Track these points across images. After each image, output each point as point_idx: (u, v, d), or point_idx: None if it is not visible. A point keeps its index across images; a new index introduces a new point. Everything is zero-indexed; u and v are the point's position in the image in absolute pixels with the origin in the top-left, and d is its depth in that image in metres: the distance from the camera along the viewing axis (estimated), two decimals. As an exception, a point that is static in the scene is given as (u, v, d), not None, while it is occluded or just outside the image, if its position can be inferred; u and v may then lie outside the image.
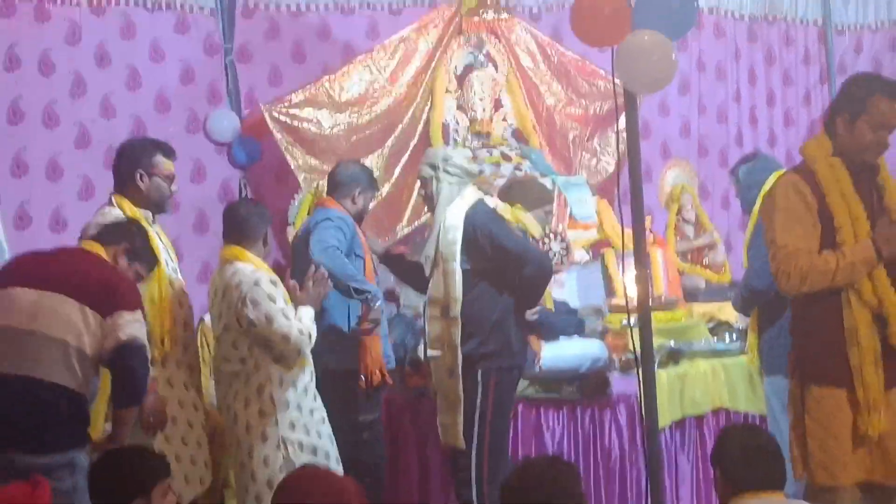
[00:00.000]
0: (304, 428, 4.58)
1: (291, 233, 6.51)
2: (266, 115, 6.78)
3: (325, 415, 4.70)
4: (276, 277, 4.63)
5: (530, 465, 3.22)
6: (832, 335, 3.89)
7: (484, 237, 5.03)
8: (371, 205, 5.45)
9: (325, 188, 6.63)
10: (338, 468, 4.55)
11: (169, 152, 4.78)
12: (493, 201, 5.37)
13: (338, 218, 5.18)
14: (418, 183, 7.24)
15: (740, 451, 3.39)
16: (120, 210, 4.58)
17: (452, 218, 5.08)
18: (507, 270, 5.05)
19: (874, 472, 3.92)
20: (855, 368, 3.84)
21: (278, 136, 6.82)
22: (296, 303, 4.59)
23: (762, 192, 4.81)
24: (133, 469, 3.41)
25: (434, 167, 5.18)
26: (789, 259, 3.84)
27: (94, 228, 4.38)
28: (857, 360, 3.84)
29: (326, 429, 4.68)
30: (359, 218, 5.42)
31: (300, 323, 4.52)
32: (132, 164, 4.68)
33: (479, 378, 4.96)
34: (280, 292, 4.57)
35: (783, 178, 4.06)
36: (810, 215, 3.88)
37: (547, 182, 6.76)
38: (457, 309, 4.99)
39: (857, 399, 3.85)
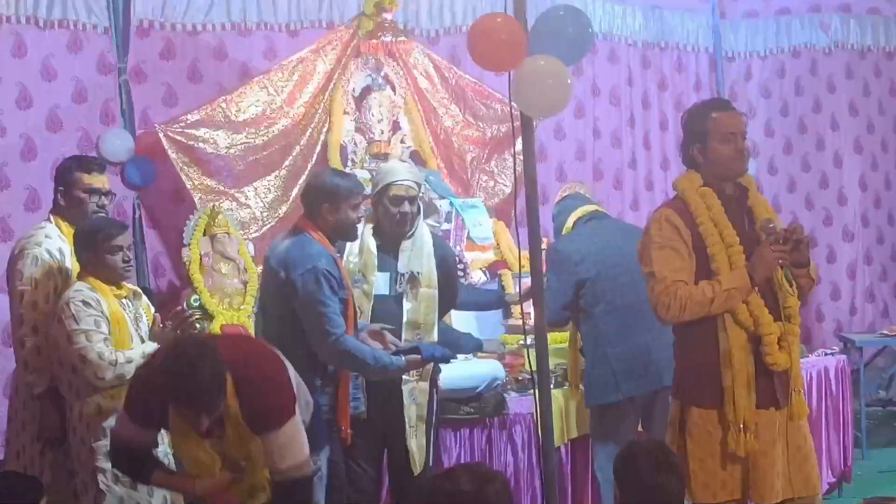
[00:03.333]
0: None
1: (186, 255, 6.44)
2: (161, 135, 6.69)
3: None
4: (97, 297, 4.47)
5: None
6: (708, 357, 3.99)
7: (451, 259, 5.07)
8: (354, 214, 4.79)
9: (221, 209, 6.60)
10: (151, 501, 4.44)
11: (89, 167, 4.84)
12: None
13: (317, 257, 4.59)
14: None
15: (642, 468, 3.44)
16: (56, 228, 4.78)
17: (427, 238, 5.05)
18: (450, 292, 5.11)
19: (751, 493, 4.01)
20: (727, 389, 3.94)
21: (173, 156, 6.73)
22: (150, 335, 4.53)
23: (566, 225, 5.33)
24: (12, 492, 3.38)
25: (418, 184, 5.06)
26: (668, 291, 3.93)
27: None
28: (730, 381, 3.94)
29: None
30: (342, 232, 4.81)
31: (117, 352, 4.37)
32: (55, 183, 4.92)
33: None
34: (92, 314, 4.40)
35: (657, 212, 4.16)
36: (685, 246, 3.99)
37: (445, 204, 6.82)
38: (434, 334, 4.97)
39: None
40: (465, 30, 7.73)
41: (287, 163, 7.15)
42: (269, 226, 7.06)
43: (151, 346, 4.46)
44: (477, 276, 6.79)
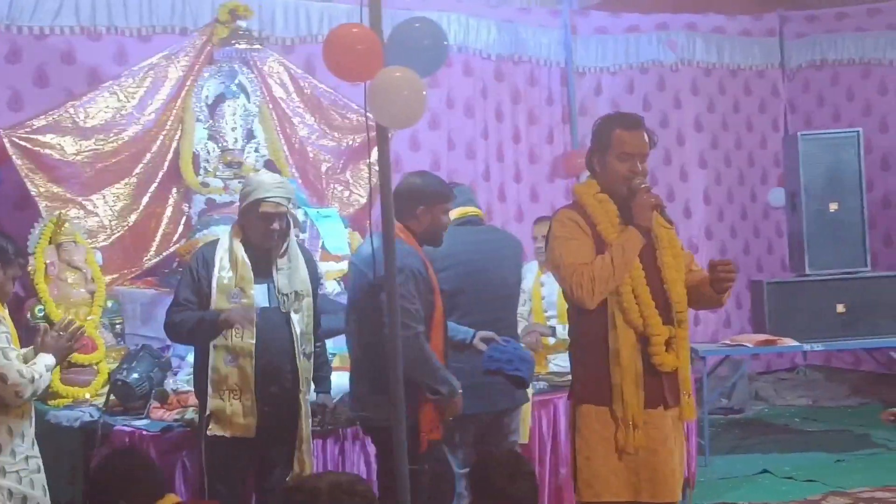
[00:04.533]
0: (17, 476, 4.32)
1: (31, 264, 6.25)
2: (5, 141, 6.49)
3: (41, 464, 4.45)
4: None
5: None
6: (598, 356, 4.08)
7: (314, 267, 5.13)
8: (446, 219, 4.76)
9: (68, 216, 6.42)
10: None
11: None
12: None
13: (407, 256, 4.52)
14: (168, 212, 7.16)
15: (495, 477, 3.48)
16: None
17: (299, 252, 4.99)
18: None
19: (641, 492, 4.09)
20: (616, 387, 4.03)
21: (18, 162, 6.54)
22: (37, 348, 4.38)
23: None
24: None
25: (289, 199, 4.96)
26: (576, 272, 4.02)
27: None
28: (619, 379, 4.03)
29: (41, 479, 4.42)
30: (430, 237, 4.77)
31: (30, 368, 4.23)
32: None
33: None
34: (3, 331, 4.25)
35: (558, 213, 4.25)
36: (585, 235, 4.09)
37: (300, 214, 6.77)
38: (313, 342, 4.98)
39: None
40: (320, 39, 7.71)
41: (137, 170, 7.01)
42: (117, 234, 6.92)
43: (50, 359, 4.31)
44: (331, 287, 6.76)
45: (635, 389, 4.03)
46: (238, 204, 5.00)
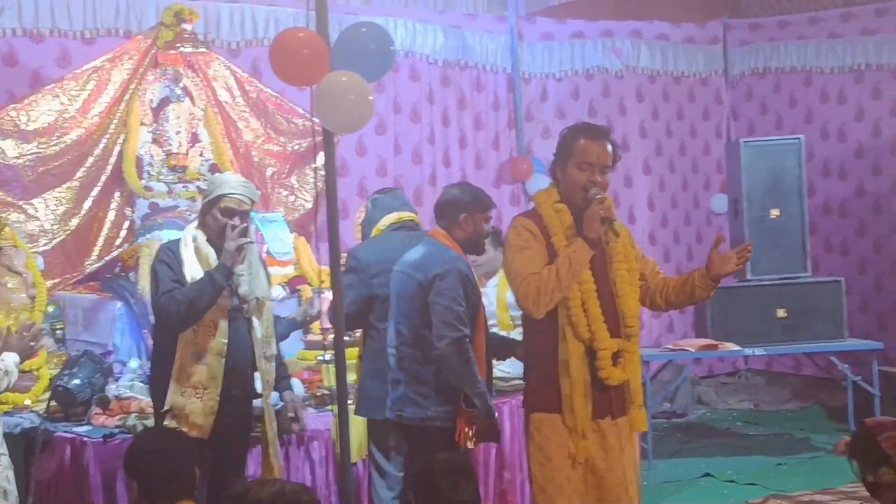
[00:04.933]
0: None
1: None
2: (-55, 143, 6.42)
3: (10, 463, 4.42)
4: None
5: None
6: (549, 365, 4.13)
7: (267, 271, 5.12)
8: (487, 227, 4.92)
9: (8, 220, 6.34)
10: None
11: None
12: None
13: (456, 260, 4.72)
14: (110, 216, 7.09)
15: (440, 483, 3.49)
16: None
17: (257, 258, 5.00)
18: None
19: (590, 498, 4.16)
20: (565, 397, 4.09)
21: (-43, 165, 6.47)
22: (5, 347, 4.33)
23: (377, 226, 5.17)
24: None
25: (252, 200, 4.94)
26: (524, 283, 4.05)
27: None
28: (568, 389, 4.08)
29: (12, 475, 4.40)
30: (473, 244, 4.90)
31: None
32: None
33: None
34: None
35: (514, 220, 4.29)
36: (538, 245, 4.12)
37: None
38: (275, 344, 5.03)
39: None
40: (266, 43, 7.68)
41: (80, 174, 6.95)
42: (59, 239, 6.85)
43: (15, 356, 4.28)
44: (276, 292, 6.73)
45: (584, 401, 4.08)
46: (202, 202, 4.93)
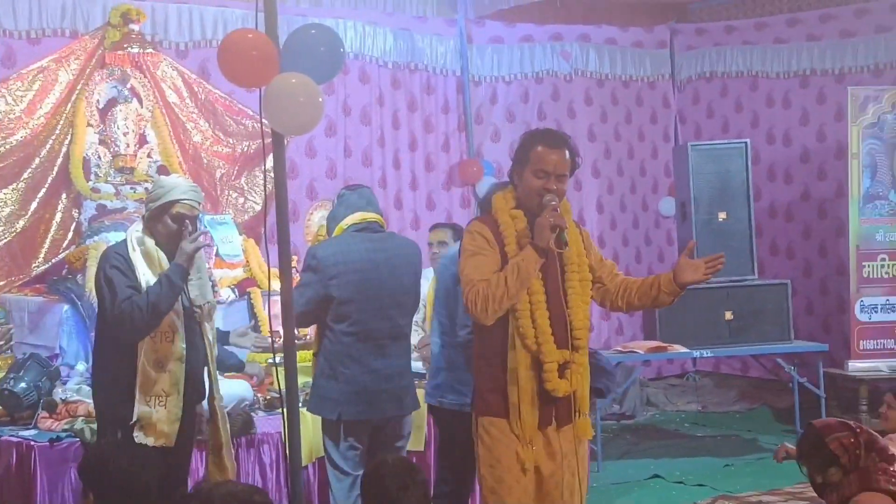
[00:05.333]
0: None
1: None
2: None
3: None
4: None
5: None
6: (498, 372, 4.14)
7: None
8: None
9: None
10: None
11: None
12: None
13: None
14: (57, 218, 7.02)
15: (388, 485, 3.48)
16: None
17: (204, 263, 5.01)
18: None
19: (538, 502, 4.18)
20: (513, 406, 4.11)
21: None
22: None
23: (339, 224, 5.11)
24: None
25: (200, 203, 4.92)
26: (472, 290, 4.04)
27: None
28: (516, 398, 4.10)
29: None
30: None
31: None
32: None
33: None
34: None
35: (470, 225, 4.29)
36: (491, 251, 4.12)
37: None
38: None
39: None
40: (215, 44, 7.63)
41: (25, 175, 6.88)
42: (5, 240, 6.78)
43: None
44: (225, 294, 6.70)
45: (531, 409, 4.10)
46: (146, 206, 4.83)
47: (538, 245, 4.02)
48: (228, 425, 4.97)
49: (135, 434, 4.57)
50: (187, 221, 4.68)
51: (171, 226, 4.69)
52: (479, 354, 4.30)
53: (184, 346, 4.66)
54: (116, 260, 4.66)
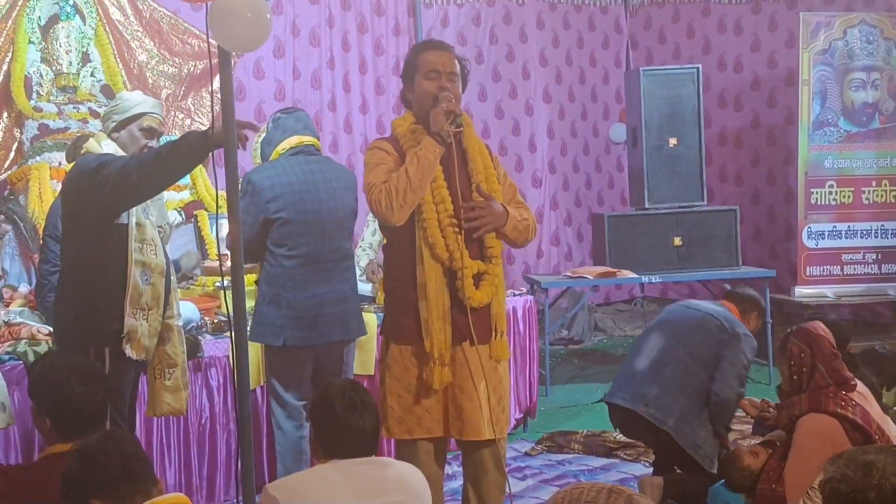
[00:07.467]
0: None
1: None
2: None
3: None
4: None
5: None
6: (407, 292, 4.04)
7: None
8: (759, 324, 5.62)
9: None
10: None
11: None
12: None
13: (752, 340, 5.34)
14: (-2, 138, 6.89)
15: (336, 408, 3.46)
16: None
17: None
18: None
19: (451, 429, 4.07)
20: (424, 322, 3.98)
21: None
22: None
23: (275, 149, 5.01)
24: None
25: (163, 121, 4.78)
26: (373, 191, 3.97)
27: None
28: (426, 314, 3.98)
29: None
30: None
31: None
32: None
33: None
34: None
35: (372, 144, 4.20)
36: (393, 161, 4.05)
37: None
38: None
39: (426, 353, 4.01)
40: (160, -40, 7.46)
41: (-35, 94, 6.73)
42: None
43: None
44: (173, 217, 6.61)
45: (442, 325, 3.98)
46: (109, 119, 4.62)
47: (435, 132, 3.95)
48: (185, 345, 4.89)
49: (123, 347, 4.44)
50: (150, 143, 4.57)
51: (138, 138, 4.58)
52: (387, 275, 4.21)
53: (164, 260, 4.58)
54: (94, 160, 4.41)
